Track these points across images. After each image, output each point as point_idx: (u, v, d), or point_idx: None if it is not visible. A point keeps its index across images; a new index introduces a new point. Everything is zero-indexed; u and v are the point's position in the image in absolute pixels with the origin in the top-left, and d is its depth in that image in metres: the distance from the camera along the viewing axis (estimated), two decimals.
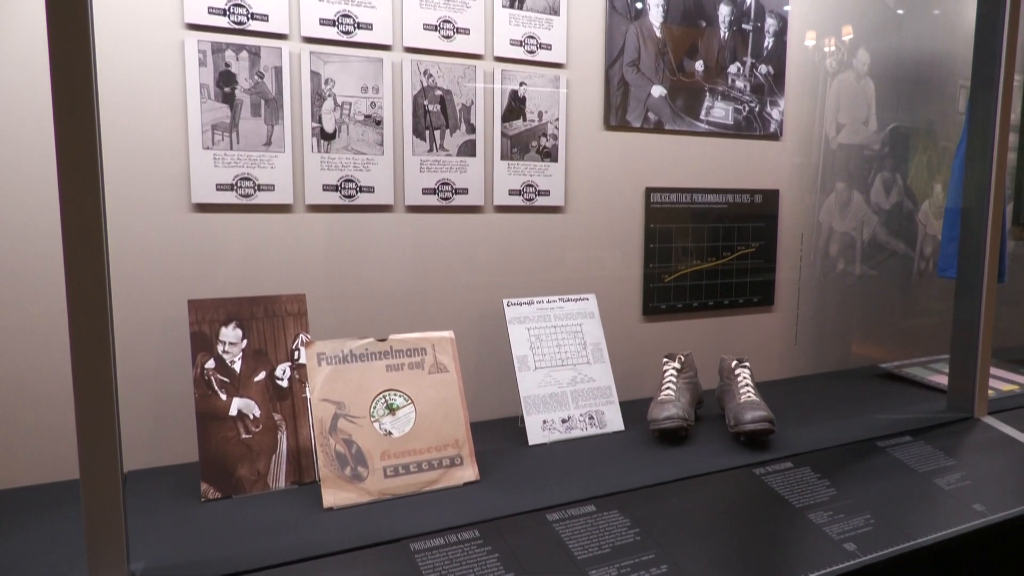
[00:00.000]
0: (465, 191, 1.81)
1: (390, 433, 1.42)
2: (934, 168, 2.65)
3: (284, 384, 1.47)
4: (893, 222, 2.57)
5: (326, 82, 1.63)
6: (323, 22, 1.61)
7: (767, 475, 1.54)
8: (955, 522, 1.43)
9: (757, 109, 2.19)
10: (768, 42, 2.19)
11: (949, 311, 2.01)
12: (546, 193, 1.91)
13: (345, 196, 1.68)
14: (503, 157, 1.84)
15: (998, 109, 1.86)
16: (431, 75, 1.73)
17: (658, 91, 2.03)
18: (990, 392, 2.03)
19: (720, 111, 2.14)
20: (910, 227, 2.62)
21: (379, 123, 1.69)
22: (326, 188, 1.66)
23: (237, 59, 1.54)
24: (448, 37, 1.74)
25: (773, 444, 1.69)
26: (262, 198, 1.60)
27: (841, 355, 2.53)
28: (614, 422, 1.78)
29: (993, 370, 2.34)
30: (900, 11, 2.48)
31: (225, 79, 1.53)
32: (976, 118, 1.92)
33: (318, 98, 1.63)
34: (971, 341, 1.94)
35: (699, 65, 2.08)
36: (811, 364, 2.45)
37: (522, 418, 1.70)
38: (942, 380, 2.19)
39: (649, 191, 2.06)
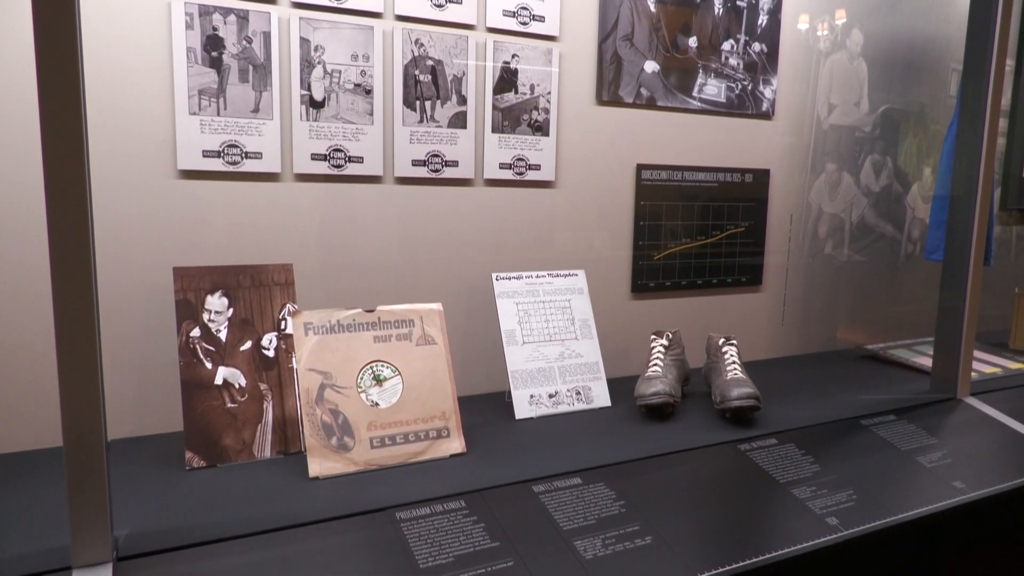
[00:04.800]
0: (455, 163, 1.79)
1: (377, 404, 1.41)
2: (924, 152, 2.66)
3: (270, 354, 1.46)
4: (882, 205, 2.58)
5: (315, 49, 1.60)
6: None
7: (752, 451, 1.55)
8: (936, 499, 1.45)
9: (750, 87, 2.18)
10: (762, 20, 2.17)
11: (935, 294, 2.02)
12: (537, 167, 1.90)
13: (334, 166, 1.66)
14: (494, 130, 1.83)
15: (989, 95, 1.86)
16: (422, 44, 1.71)
17: (651, 67, 2.02)
18: (973, 374, 2.05)
19: (713, 88, 2.12)
20: (898, 210, 2.63)
21: (369, 92, 1.67)
22: (315, 157, 1.63)
23: (225, 23, 1.51)
24: (440, 6, 1.72)
25: (758, 421, 1.70)
26: (249, 166, 1.57)
27: (828, 336, 2.54)
28: (601, 398, 1.78)
29: (976, 353, 2.36)
30: None
31: (212, 43, 1.51)
32: (967, 105, 1.92)
33: (307, 65, 1.60)
34: (956, 324, 1.95)
35: (692, 42, 2.07)
36: (798, 344, 2.46)
37: (509, 392, 1.70)
38: (926, 362, 2.21)
39: (640, 168, 2.05)
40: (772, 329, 2.40)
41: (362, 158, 1.68)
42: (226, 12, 1.51)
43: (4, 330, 1.43)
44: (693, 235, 2.17)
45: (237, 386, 1.42)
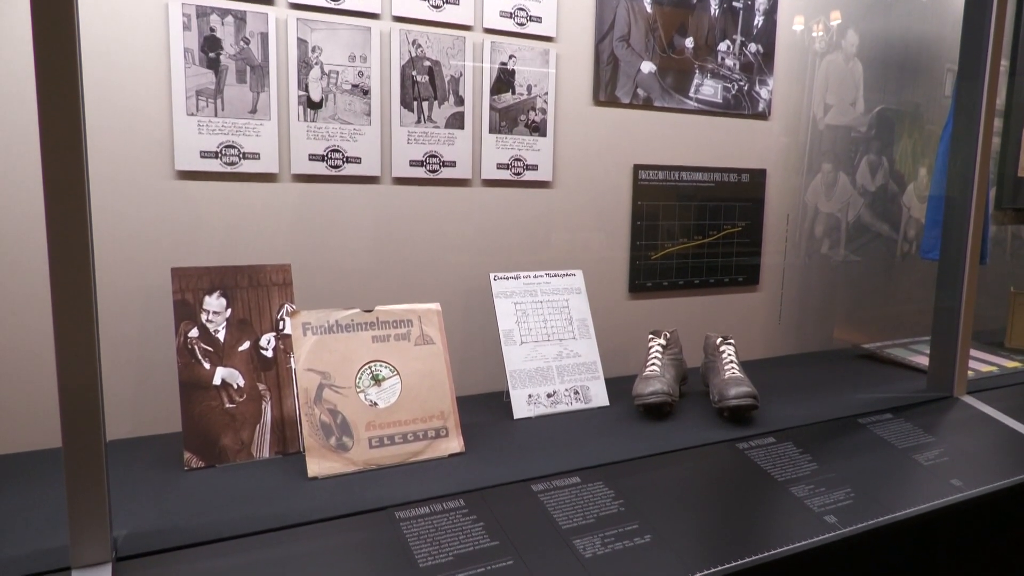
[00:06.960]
0: (453, 164, 1.79)
1: (375, 404, 1.42)
2: (919, 151, 2.67)
3: (269, 354, 1.46)
4: (878, 204, 2.59)
5: (313, 50, 1.60)
6: None
7: (750, 449, 1.55)
8: (933, 496, 1.45)
9: (746, 88, 2.19)
10: (758, 21, 2.18)
11: (931, 293, 2.03)
12: (534, 168, 1.90)
13: (331, 166, 1.66)
14: (491, 130, 1.83)
15: (984, 95, 1.87)
16: (420, 45, 1.71)
17: (648, 67, 2.02)
18: (969, 373, 2.06)
19: (709, 89, 2.13)
20: (894, 209, 2.64)
21: (366, 93, 1.67)
22: (312, 158, 1.64)
23: (222, 24, 1.51)
24: (437, 7, 1.72)
25: (756, 420, 1.70)
26: (247, 166, 1.57)
27: (825, 335, 2.55)
28: (599, 397, 1.78)
29: (973, 352, 2.37)
30: None
31: (210, 44, 1.51)
32: (962, 105, 1.92)
33: (305, 66, 1.60)
34: (952, 323, 1.96)
35: (689, 42, 2.07)
36: (795, 343, 2.47)
37: (508, 392, 1.70)
38: (923, 361, 2.22)
39: (637, 168, 2.06)
40: (769, 328, 2.41)
41: (360, 158, 1.68)
42: (224, 13, 1.51)
43: (3, 331, 1.42)
44: (690, 235, 2.18)
45: (235, 386, 1.42)
